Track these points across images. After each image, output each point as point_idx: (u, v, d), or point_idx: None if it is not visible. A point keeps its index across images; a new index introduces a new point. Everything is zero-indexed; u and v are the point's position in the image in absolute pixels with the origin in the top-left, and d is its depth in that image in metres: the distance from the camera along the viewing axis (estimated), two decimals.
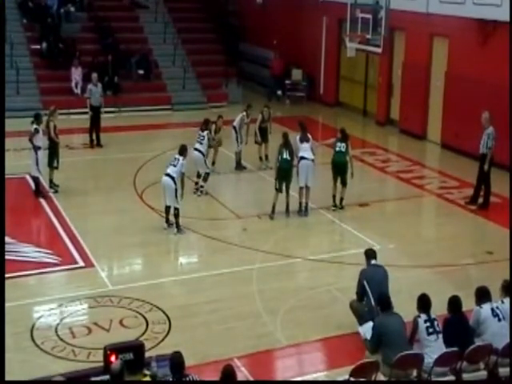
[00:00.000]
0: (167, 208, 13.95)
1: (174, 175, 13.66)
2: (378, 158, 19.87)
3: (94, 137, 19.87)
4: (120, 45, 25.66)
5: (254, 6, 28.43)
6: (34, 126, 15.55)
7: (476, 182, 15.85)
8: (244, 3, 30.46)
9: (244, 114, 18.07)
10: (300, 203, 15.10)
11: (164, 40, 26.99)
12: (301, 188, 15.03)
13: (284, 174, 14.76)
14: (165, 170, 13.86)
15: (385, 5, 19.40)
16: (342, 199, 15.46)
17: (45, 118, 15.99)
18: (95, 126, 19.91)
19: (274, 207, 14.86)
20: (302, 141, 15.21)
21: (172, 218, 13.95)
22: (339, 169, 15.25)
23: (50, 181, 16.05)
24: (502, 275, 10.08)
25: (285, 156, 14.73)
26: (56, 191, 16.00)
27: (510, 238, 12.87)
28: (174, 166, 13.77)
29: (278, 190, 14.77)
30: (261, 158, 18.29)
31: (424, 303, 8.79)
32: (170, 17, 28.20)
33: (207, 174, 16.13)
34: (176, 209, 13.79)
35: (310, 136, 15.41)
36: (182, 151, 14.03)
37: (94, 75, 20.31)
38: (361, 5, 20.73)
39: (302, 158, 14.94)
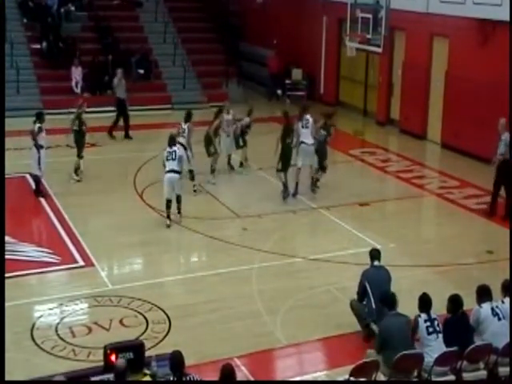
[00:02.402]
0: (168, 202, 14.10)
1: (177, 168, 14.02)
2: (379, 157, 19.88)
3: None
4: (120, 44, 25.66)
5: (255, 5, 28.42)
6: (38, 124, 15.59)
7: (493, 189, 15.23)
8: (244, 3, 30.44)
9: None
10: (296, 183, 15.65)
11: (164, 40, 26.98)
12: (298, 169, 15.58)
13: (287, 158, 15.39)
14: (165, 168, 14.02)
15: (385, 5, 19.37)
16: (317, 180, 16.12)
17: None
18: (124, 119, 20.57)
19: (285, 185, 15.46)
20: (302, 126, 15.66)
21: (175, 208, 14.20)
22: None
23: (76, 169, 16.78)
24: (502, 275, 10.09)
25: (287, 140, 15.40)
26: (80, 180, 16.68)
27: (510, 238, 12.87)
28: (173, 159, 14.00)
29: (281, 170, 15.39)
30: (241, 163, 18.03)
31: (424, 303, 8.80)
32: (169, 16, 28.20)
33: (191, 172, 16.18)
34: (179, 196, 14.17)
35: (310, 119, 15.67)
36: (173, 142, 14.38)
37: (120, 70, 21.16)
38: (361, 4, 20.68)
39: (302, 142, 15.54)
